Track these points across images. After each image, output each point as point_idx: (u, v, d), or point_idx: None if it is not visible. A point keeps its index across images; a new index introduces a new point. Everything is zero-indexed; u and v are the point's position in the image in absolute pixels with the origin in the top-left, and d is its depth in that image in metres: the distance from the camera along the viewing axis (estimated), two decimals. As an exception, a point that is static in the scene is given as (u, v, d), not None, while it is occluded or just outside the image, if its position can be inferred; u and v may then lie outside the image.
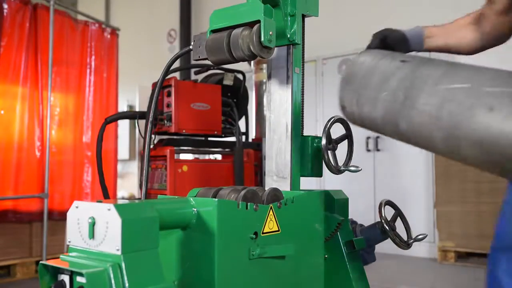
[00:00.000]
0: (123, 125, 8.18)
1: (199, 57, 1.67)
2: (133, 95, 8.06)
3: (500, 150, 0.99)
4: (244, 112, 3.84)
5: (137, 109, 7.72)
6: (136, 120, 3.48)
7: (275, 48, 1.69)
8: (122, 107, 8.40)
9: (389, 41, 1.49)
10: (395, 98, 1.22)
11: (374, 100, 1.28)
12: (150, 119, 1.77)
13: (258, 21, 1.50)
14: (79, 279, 1.15)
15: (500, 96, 1.01)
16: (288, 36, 1.75)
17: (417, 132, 1.18)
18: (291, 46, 1.78)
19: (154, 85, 3.45)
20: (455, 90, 1.09)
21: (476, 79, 1.08)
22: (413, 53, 1.55)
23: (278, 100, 1.81)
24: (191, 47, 1.70)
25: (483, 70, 1.12)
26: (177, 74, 7.20)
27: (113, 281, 1.12)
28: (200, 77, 3.91)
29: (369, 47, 1.50)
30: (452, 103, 1.07)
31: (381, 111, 1.26)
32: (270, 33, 1.51)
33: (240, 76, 3.85)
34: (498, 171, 1.06)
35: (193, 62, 1.95)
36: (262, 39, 1.49)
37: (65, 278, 1.18)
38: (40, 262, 1.21)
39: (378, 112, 1.27)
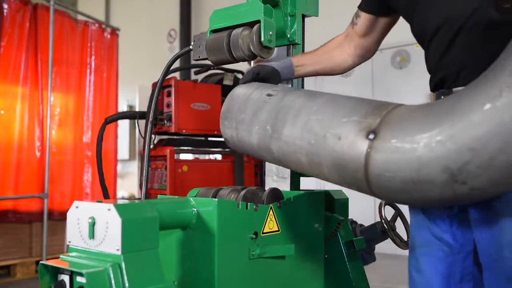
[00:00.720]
0: (123, 125, 8.18)
1: (199, 57, 1.67)
2: (133, 95, 8.05)
3: (351, 173, 1.14)
4: (244, 112, 3.83)
5: (137, 109, 7.71)
6: (136, 120, 3.48)
7: (275, 48, 1.69)
8: (122, 107, 8.40)
9: (261, 76, 1.60)
10: (265, 131, 1.38)
11: (249, 133, 1.45)
12: (150, 119, 1.77)
13: (258, 21, 1.50)
14: (79, 279, 1.15)
15: (345, 125, 1.16)
16: (288, 36, 1.75)
17: (287, 158, 1.33)
18: (291, 46, 1.77)
19: (154, 85, 3.45)
20: (311, 122, 1.24)
21: (329, 109, 1.23)
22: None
23: (278, 100, 1.81)
24: (191, 47, 1.70)
25: (335, 98, 1.27)
26: (177, 74, 7.20)
27: (113, 281, 1.12)
28: (200, 77, 3.91)
29: (243, 82, 1.60)
30: (310, 134, 1.23)
31: (256, 141, 1.42)
32: (270, 33, 1.51)
33: (240, 76, 3.85)
34: (356, 189, 1.21)
35: (193, 62, 1.95)
36: (262, 39, 1.49)
37: (65, 278, 1.18)
38: (40, 262, 1.21)
39: (254, 143, 1.43)
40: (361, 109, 1.17)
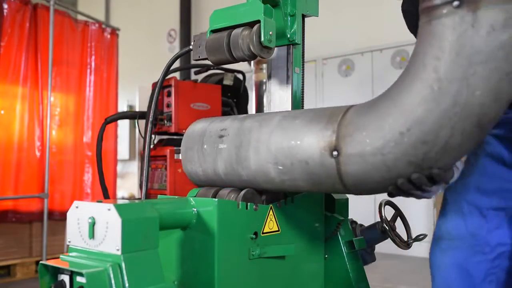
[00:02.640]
0: (123, 125, 8.18)
1: (199, 57, 1.67)
2: (133, 95, 8.05)
3: (328, 186, 1.28)
4: (244, 112, 3.84)
5: (137, 109, 7.71)
6: (136, 120, 3.48)
7: (275, 48, 1.69)
8: (122, 107, 8.40)
9: None
10: (233, 171, 1.49)
11: (214, 171, 1.55)
12: (150, 119, 1.77)
13: (258, 21, 1.50)
14: (79, 279, 1.15)
15: (307, 148, 1.27)
16: (288, 36, 1.75)
17: (260, 184, 1.46)
18: (291, 46, 1.77)
19: (154, 85, 3.45)
20: (273, 152, 1.35)
21: (283, 135, 1.34)
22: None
23: (278, 100, 1.81)
24: (191, 47, 1.70)
25: (283, 122, 1.36)
26: (177, 74, 7.20)
27: (113, 281, 1.12)
28: (200, 77, 3.91)
29: None
30: (277, 164, 1.35)
31: (222, 174, 1.53)
32: (270, 33, 1.50)
33: (240, 76, 3.85)
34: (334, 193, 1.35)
35: (193, 62, 1.95)
36: (262, 39, 1.49)
37: (65, 278, 1.18)
38: (40, 262, 1.21)
39: (222, 172, 1.53)
40: (313, 128, 1.27)
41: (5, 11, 4.27)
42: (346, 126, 1.20)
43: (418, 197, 1.20)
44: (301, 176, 1.30)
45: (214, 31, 1.62)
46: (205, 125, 1.61)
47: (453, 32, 1.04)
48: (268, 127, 1.40)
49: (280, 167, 1.33)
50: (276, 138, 1.35)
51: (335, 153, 1.20)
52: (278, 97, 1.81)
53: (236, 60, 1.59)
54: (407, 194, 1.17)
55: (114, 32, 5.25)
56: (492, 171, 1.41)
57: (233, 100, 3.76)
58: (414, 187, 1.14)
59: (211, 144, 1.54)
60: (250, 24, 1.54)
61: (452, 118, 1.05)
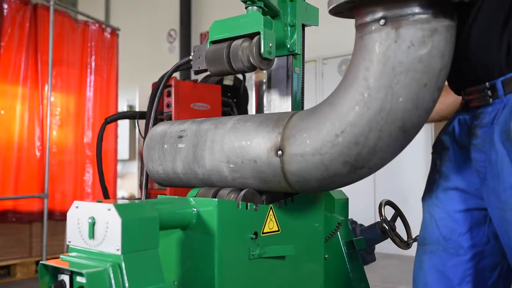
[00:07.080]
0: (123, 125, 8.19)
1: (198, 67, 1.68)
2: (133, 95, 8.05)
3: (275, 183, 1.40)
4: (244, 112, 3.84)
5: (137, 109, 7.71)
6: (136, 120, 3.49)
7: (275, 58, 1.68)
8: (122, 107, 8.40)
9: None
10: (190, 170, 1.57)
11: (173, 170, 1.62)
12: (151, 124, 1.78)
13: (258, 33, 1.50)
14: (79, 279, 1.15)
15: (256, 148, 1.38)
16: (288, 46, 1.74)
17: (214, 183, 1.55)
18: (291, 56, 1.77)
19: (154, 85, 3.46)
20: (226, 152, 1.45)
21: (235, 137, 1.43)
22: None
23: (278, 100, 1.81)
24: (191, 57, 1.70)
25: (236, 125, 1.46)
26: (177, 74, 7.20)
27: (113, 281, 1.12)
28: (200, 77, 3.92)
29: None
30: (229, 163, 1.45)
31: (181, 173, 1.61)
32: (270, 45, 1.50)
33: (240, 76, 3.85)
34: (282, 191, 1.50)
35: (193, 62, 1.95)
36: (262, 51, 1.48)
37: (65, 278, 1.18)
38: (40, 262, 1.21)
39: (180, 170, 1.60)
40: (261, 130, 1.39)
41: (5, 11, 4.28)
42: (290, 129, 1.33)
43: None
44: (251, 174, 1.41)
45: (214, 42, 1.62)
46: (166, 127, 1.69)
47: (380, 45, 1.19)
48: (222, 129, 1.49)
49: (232, 166, 1.43)
50: (229, 139, 1.45)
51: (279, 152, 1.32)
52: (278, 97, 1.81)
53: (235, 72, 1.59)
54: None
55: (114, 32, 5.26)
56: (456, 176, 1.45)
57: (233, 100, 3.76)
58: None
59: (171, 144, 1.61)
60: (250, 36, 1.54)
61: (380, 122, 1.18)
